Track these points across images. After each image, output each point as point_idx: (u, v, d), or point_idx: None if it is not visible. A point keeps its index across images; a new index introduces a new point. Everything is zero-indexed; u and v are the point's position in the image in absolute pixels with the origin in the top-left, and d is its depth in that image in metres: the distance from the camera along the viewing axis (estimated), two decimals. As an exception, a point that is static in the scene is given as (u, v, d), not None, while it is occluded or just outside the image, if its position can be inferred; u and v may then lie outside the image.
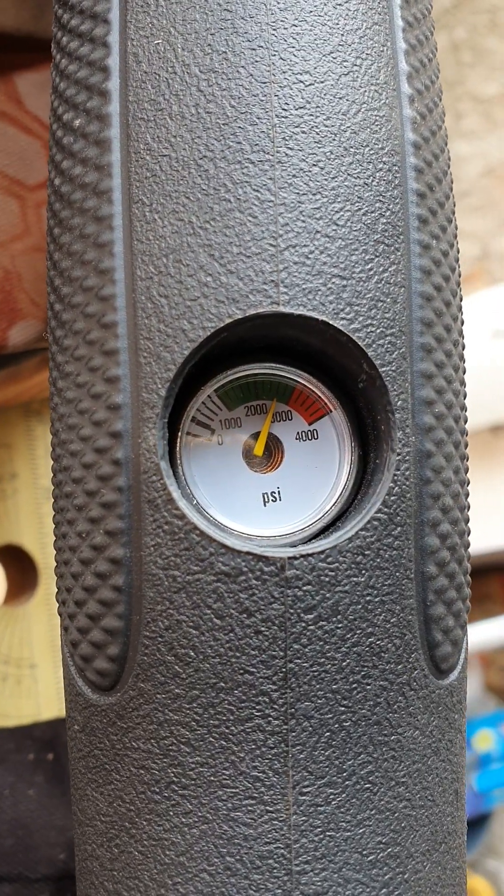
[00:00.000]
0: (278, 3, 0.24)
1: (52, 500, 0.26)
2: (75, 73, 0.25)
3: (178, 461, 0.24)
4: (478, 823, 1.33)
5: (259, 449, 0.25)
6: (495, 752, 1.29)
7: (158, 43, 0.24)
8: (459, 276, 0.26)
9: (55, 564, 0.26)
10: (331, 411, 0.25)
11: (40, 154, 0.39)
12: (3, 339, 0.38)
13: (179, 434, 0.24)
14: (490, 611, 1.40)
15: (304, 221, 0.23)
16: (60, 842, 0.40)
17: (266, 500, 0.24)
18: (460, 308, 0.26)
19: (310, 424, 0.25)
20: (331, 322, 0.23)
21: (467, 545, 0.26)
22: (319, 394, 0.25)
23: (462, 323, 0.26)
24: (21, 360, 0.43)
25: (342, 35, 0.24)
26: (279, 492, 0.24)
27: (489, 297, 1.15)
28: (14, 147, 0.39)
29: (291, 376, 0.25)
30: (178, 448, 0.24)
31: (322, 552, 0.22)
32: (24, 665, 0.49)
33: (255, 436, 0.25)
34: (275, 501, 0.24)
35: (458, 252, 0.27)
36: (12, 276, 0.38)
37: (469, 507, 0.26)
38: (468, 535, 0.26)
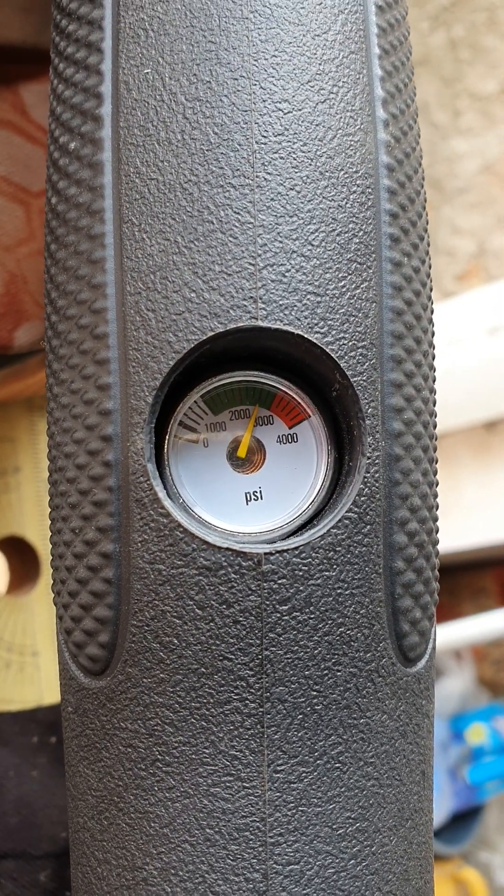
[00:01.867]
0: (259, 35, 0.25)
1: (49, 497, 0.27)
2: (71, 98, 0.27)
3: (166, 462, 0.25)
4: (470, 816, 1.34)
5: (242, 451, 0.26)
6: (488, 746, 1.30)
7: (148, 72, 0.25)
8: (431, 290, 0.28)
9: (51, 558, 0.27)
10: (309, 416, 0.26)
11: (44, 162, 0.41)
12: (9, 340, 0.39)
13: (167, 437, 0.25)
14: (484, 605, 1.41)
15: (281, 242, 0.25)
16: (62, 821, 0.42)
17: (248, 498, 0.26)
18: (431, 320, 0.28)
19: (290, 428, 0.26)
20: (305, 336, 0.24)
21: (436, 542, 0.27)
22: (299, 400, 0.26)
23: (433, 334, 0.28)
24: (26, 359, 0.45)
25: (320, 64, 0.26)
26: (261, 491, 0.26)
27: (485, 293, 1.16)
28: (19, 155, 0.40)
29: (273, 383, 0.26)
30: (165, 450, 0.25)
31: (296, 548, 0.24)
32: (26, 653, 0.50)
33: (239, 439, 0.26)
34: (256, 500, 0.26)
35: (430, 266, 0.28)
36: (18, 279, 0.40)
37: (437, 507, 0.27)
38: (436, 532, 0.27)
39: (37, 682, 0.50)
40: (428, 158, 1.39)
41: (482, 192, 1.36)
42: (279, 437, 0.26)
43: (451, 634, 1.05)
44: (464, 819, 1.31)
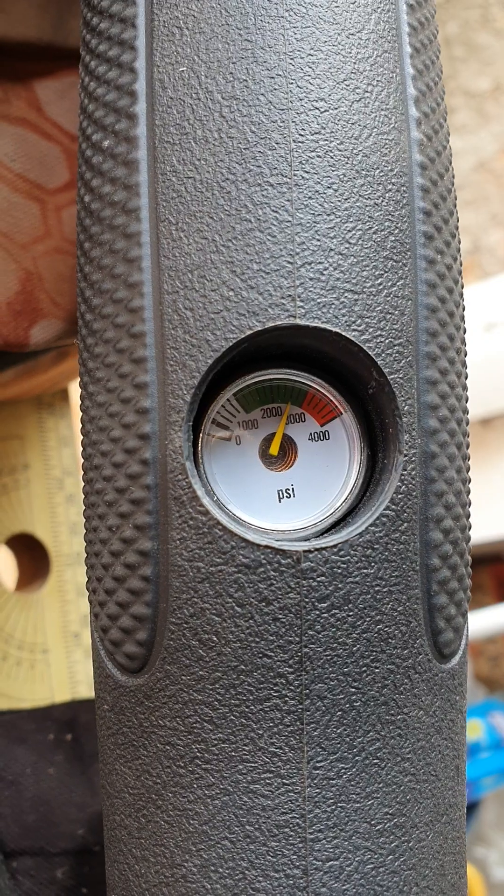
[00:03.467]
0: (295, 34, 0.25)
1: (83, 496, 0.27)
2: (104, 96, 0.27)
3: (200, 460, 0.25)
4: (466, 812, 1.36)
5: (275, 448, 0.26)
6: (484, 742, 1.30)
7: (183, 70, 0.25)
8: (462, 287, 0.28)
9: (85, 556, 0.27)
10: (341, 414, 0.26)
11: (60, 159, 0.41)
12: (25, 338, 0.39)
13: (201, 435, 0.25)
14: (481, 601, 1.42)
15: (319, 240, 0.25)
16: (80, 818, 0.42)
17: (281, 496, 0.26)
18: (462, 318, 0.28)
19: (322, 426, 0.26)
20: (344, 333, 0.25)
21: (468, 539, 0.27)
22: (331, 397, 0.26)
23: (464, 332, 0.28)
24: (38, 357, 0.45)
25: (355, 63, 0.26)
26: (293, 489, 0.26)
27: (481, 290, 1.17)
28: (35, 152, 0.40)
29: (305, 381, 0.26)
30: (199, 448, 0.25)
31: (335, 546, 0.24)
32: (37, 650, 0.50)
33: (271, 436, 0.26)
34: (289, 498, 0.26)
35: (461, 264, 0.28)
36: (34, 276, 0.40)
37: (470, 504, 0.28)
38: (469, 529, 0.27)
39: (47, 680, 0.50)
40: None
41: (476, 190, 1.36)
42: (311, 434, 0.26)
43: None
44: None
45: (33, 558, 0.53)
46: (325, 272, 0.25)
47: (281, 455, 0.26)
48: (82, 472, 0.27)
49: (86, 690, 0.52)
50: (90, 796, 0.43)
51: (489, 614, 1.09)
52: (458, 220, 0.28)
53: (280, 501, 0.26)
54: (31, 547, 0.53)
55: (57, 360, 0.47)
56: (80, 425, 0.27)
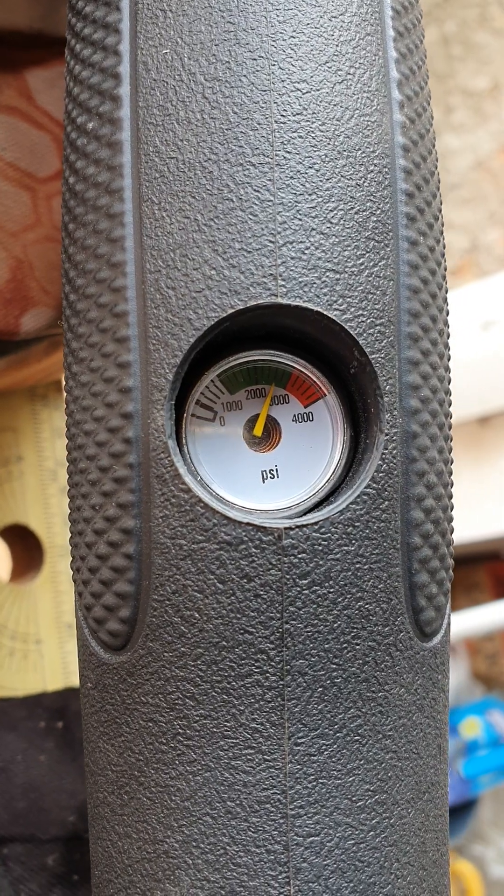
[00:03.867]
0: (278, 15, 0.26)
1: (67, 475, 0.27)
2: (88, 79, 0.27)
3: (184, 440, 0.25)
4: (464, 809, 1.35)
5: (258, 429, 0.26)
6: (482, 739, 1.31)
7: (166, 52, 0.26)
8: (445, 269, 0.28)
9: (69, 535, 0.27)
10: (325, 395, 0.27)
11: (50, 148, 0.41)
12: (16, 326, 0.40)
13: (185, 415, 0.25)
14: (477, 599, 1.42)
15: (300, 220, 0.25)
16: (70, 805, 0.42)
17: (265, 476, 0.26)
18: (445, 300, 0.28)
19: (305, 407, 0.27)
20: (325, 312, 0.25)
21: (450, 519, 0.28)
22: (314, 378, 0.26)
23: (447, 314, 0.28)
24: (30, 346, 0.45)
25: (337, 45, 0.26)
26: (277, 469, 0.26)
27: (478, 289, 1.17)
28: (25, 141, 0.40)
29: (288, 362, 0.26)
30: (183, 428, 0.25)
31: (316, 523, 0.24)
32: (30, 640, 0.51)
33: (255, 417, 0.26)
34: (273, 478, 0.26)
35: (444, 247, 0.29)
36: (24, 265, 0.40)
37: (453, 485, 0.28)
38: (451, 509, 0.28)
39: (40, 670, 0.51)
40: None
41: (474, 188, 1.36)
42: (295, 415, 0.27)
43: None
44: (458, 812, 1.32)
45: (27, 549, 0.53)
46: (306, 252, 0.25)
47: (265, 436, 0.27)
48: (66, 452, 0.27)
49: (78, 680, 0.52)
50: (81, 783, 0.43)
51: (486, 612, 1.09)
52: (441, 203, 0.28)
53: (264, 482, 0.26)
54: (24, 538, 0.53)
55: (49, 350, 0.47)
56: (65, 405, 0.28)
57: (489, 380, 1.13)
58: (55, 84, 0.41)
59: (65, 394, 0.28)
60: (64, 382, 0.28)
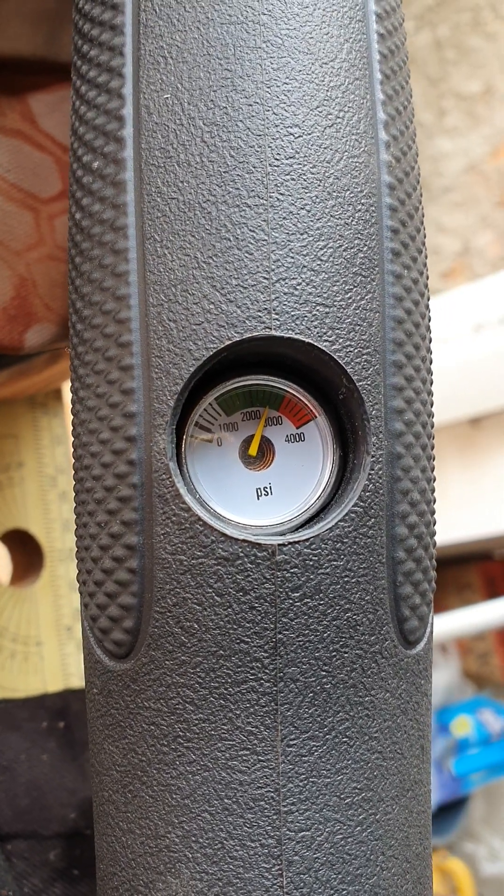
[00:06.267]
0: (272, 63, 0.27)
1: (73, 493, 0.29)
2: (94, 120, 0.28)
3: (184, 461, 0.27)
4: (455, 807, 1.36)
5: (254, 449, 0.28)
6: (473, 738, 1.32)
7: (167, 97, 0.27)
8: (428, 299, 0.30)
9: (76, 550, 0.29)
10: (316, 417, 0.28)
11: (53, 169, 0.42)
12: (20, 342, 0.41)
13: (184, 437, 0.27)
14: (469, 599, 1.44)
15: (293, 258, 0.26)
16: (71, 802, 0.43)
17: (259, 494, 0.28)
18: (428, 328, 0.30)
19: (297, 428, 0.28)
20: (315, 343, 0.26)
21: (433, 534, 0.29)
22: (306, 402, 0.28)
23: (430, 341, 0.30)
24: (33, 359, 0.46)
25: (327, 91, 0.28)
26: (271, 487, 0.28)
27: (470, 292, 1.19)
28: (28, 163, 0.42)
29: (282, 386, 0.28)
30: (183, 449, 0.27)
31: (307, 540, 0.26)
32: (30, 643, 0.52)
33: (250, 438, 0.28)
34: (267, 495, 0.28)
35: (428, 278, 0.30)
36: (28, 282, 0.41)
37: (435, 501, 0.29)
38: (434, 525, 0.29)
39: (41, 672, 0.52)
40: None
41: (467, 192, 1.38)
42: (287, 436, 0.28)
43: (436, 628, 1.07)
44: (449, 810, 1.33)
45: (27, 554, 0.55)
46: (298, 287, 0.26)
47: (259, 455, 0.28)
48: (73, 472, 0.29)
49: (78, 682, 0.53)
50: (81, 782, 0.44)
51: (477, 612, 1.11)
52: (424, 237, 0.30)
53: (258, 499, 0.28)
54: (24, 542, 0.54)
55: (50, 361, 0.48)
56: (71, 428, 0.29)
57: (481, 381, 1.15)
58: (57, 108, 0.42)
59: (71, 416, 0.29)
60: (71, 406, 0.29)
